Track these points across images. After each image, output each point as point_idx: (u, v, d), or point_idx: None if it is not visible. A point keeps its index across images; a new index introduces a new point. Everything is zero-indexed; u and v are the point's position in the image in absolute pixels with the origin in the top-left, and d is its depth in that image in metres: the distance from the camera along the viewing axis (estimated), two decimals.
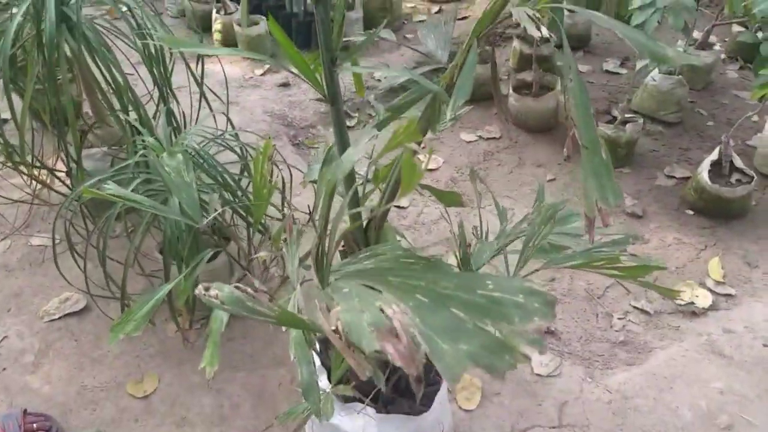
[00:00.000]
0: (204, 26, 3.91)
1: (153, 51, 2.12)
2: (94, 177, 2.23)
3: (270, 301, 1.35)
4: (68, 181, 2.30)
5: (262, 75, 3.55)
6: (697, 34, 3.34)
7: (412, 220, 2.61)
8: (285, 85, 3.39)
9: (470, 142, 3.08)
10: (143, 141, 1.82)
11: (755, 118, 3.26)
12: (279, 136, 3.01)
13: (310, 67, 1.02)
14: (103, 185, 1.36)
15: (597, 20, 0.80)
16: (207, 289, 0.84)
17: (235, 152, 1.95)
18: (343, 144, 1.12)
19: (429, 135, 1.26)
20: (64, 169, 2.27)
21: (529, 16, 0.79)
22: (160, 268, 2.00)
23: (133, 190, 1.74)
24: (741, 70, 3.62)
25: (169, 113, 2.10)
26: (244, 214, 1.86)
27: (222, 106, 2.54)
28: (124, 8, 2.12)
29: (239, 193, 1.91)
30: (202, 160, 1.78)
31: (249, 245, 1.94)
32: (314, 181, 1.58)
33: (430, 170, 2.85)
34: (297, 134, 3.08)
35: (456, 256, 1.14)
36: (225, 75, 2.60)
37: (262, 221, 2.00)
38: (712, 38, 3.38)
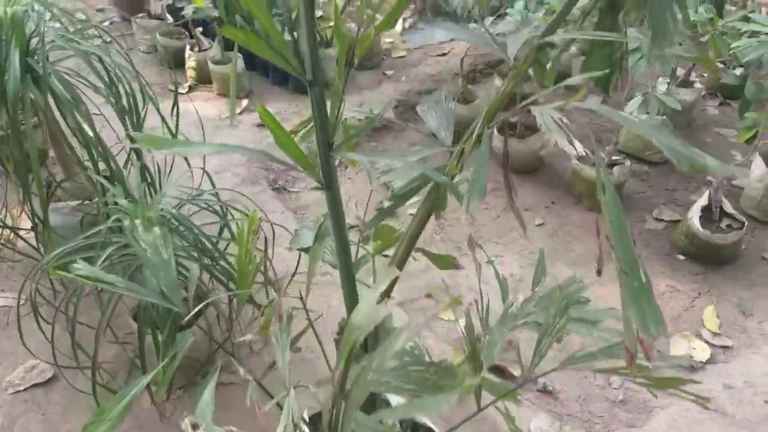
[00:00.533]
0: (177, 62, 3.80)
1: (125, 103, 2.01)
2: (60, 234, 2.11)
3: (257, 384, 1.24)
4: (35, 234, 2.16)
5: (239, 114, 3.45)
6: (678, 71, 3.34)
7: None
8: (263, 125, 3.29)
9: None
10: (116, 203, 1.70)
11: (739, 157, 3.26)
12: (258, 180, 2.90)
13: (305, 156, 0.93)
14: (73, 264, 1.25)
15: (631, 125, 0.72)
16: (195, 427, 0.73)
17: (216, 213, 1.84)
18: (341, 235, 1.02)
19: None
20: (30, 224, 2.13)
21: (557, 123, 0.71)
22: (132, 332, 1.88)
23: (107, 257, 1.62)
24: (721, 107, 3.63)
25: (143, 168, 1.99)
26: (224, 280, 1.74)
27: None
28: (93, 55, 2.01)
29: (217, 254, 1.80)
30: (178, 223, 1.66)
31: (230, 311, 1.82)
32: (302, 249, 1.48)
33: None
34: (277, 177, 2.97)
35: (464, 349, 1.05)
36: (199, 117, 2.50)
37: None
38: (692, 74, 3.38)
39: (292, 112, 3.52)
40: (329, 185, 1.01)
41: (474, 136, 0.90)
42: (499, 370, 2.05)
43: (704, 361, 2.12)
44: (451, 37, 1.17)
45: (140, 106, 2.16)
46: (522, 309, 1.25)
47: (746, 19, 2.53)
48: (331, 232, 1.13)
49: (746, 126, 2.66)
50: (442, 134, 1.06)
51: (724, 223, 2.52)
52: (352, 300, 1.09)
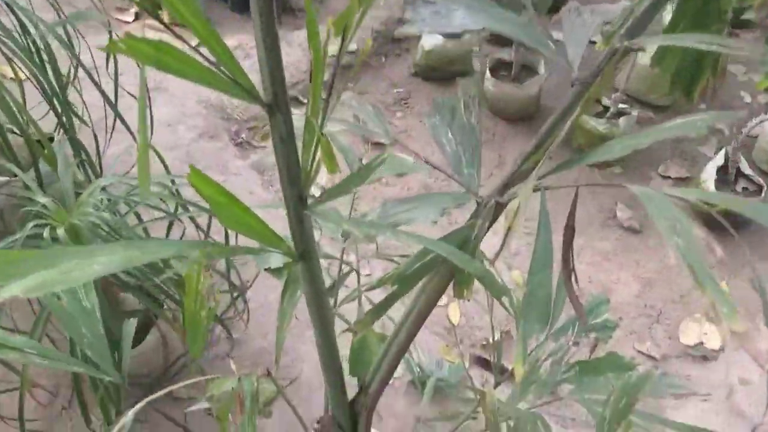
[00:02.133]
0: None
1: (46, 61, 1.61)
2: None
3: None
4: None
5: (192, 48, 3.00)
6: None
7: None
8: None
9: None
10: (39, 203, 1.36)
11: (748, 99, 2.98)
12: (218, 134, 2.53)
13: (269, 229, 0.62)
14: None
15: None
16: None
17: (165, 212, 1.50)
18: (322, 321, 0.73)
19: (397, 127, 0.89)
20: None
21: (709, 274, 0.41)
22: None
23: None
24: (730, 38, 3.30)
25: (74, 142, 1.63)
26: (172, 292, 1.44)
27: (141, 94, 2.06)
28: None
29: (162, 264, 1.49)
30: (115, 234, 1.33)
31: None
32: (269, 270, 1.20)
33: (399, 175, 2.46)
34: (239, 130, 2.60)
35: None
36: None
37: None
38: None
39: (254, 46, 3.09)
40: (303, 254, 0.70)
41: (523, 193, 0.59)
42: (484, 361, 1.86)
43: (716, 349, 1.94)
44: (482, 26, 0.80)
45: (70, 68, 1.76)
46: (554, 372, 1.01)
47: None
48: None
49: None
50: (464, 172, 0.75)
51: (739, 186, 2.28)
52: (336, 389, 0.82)
